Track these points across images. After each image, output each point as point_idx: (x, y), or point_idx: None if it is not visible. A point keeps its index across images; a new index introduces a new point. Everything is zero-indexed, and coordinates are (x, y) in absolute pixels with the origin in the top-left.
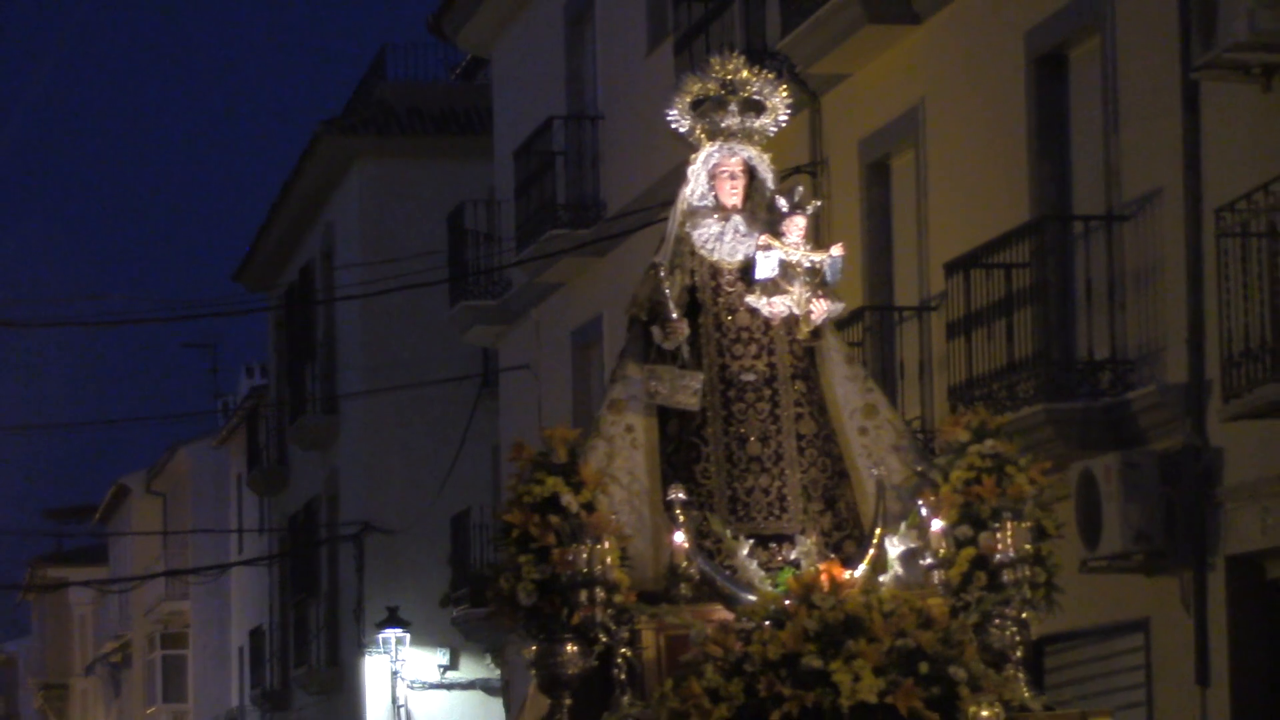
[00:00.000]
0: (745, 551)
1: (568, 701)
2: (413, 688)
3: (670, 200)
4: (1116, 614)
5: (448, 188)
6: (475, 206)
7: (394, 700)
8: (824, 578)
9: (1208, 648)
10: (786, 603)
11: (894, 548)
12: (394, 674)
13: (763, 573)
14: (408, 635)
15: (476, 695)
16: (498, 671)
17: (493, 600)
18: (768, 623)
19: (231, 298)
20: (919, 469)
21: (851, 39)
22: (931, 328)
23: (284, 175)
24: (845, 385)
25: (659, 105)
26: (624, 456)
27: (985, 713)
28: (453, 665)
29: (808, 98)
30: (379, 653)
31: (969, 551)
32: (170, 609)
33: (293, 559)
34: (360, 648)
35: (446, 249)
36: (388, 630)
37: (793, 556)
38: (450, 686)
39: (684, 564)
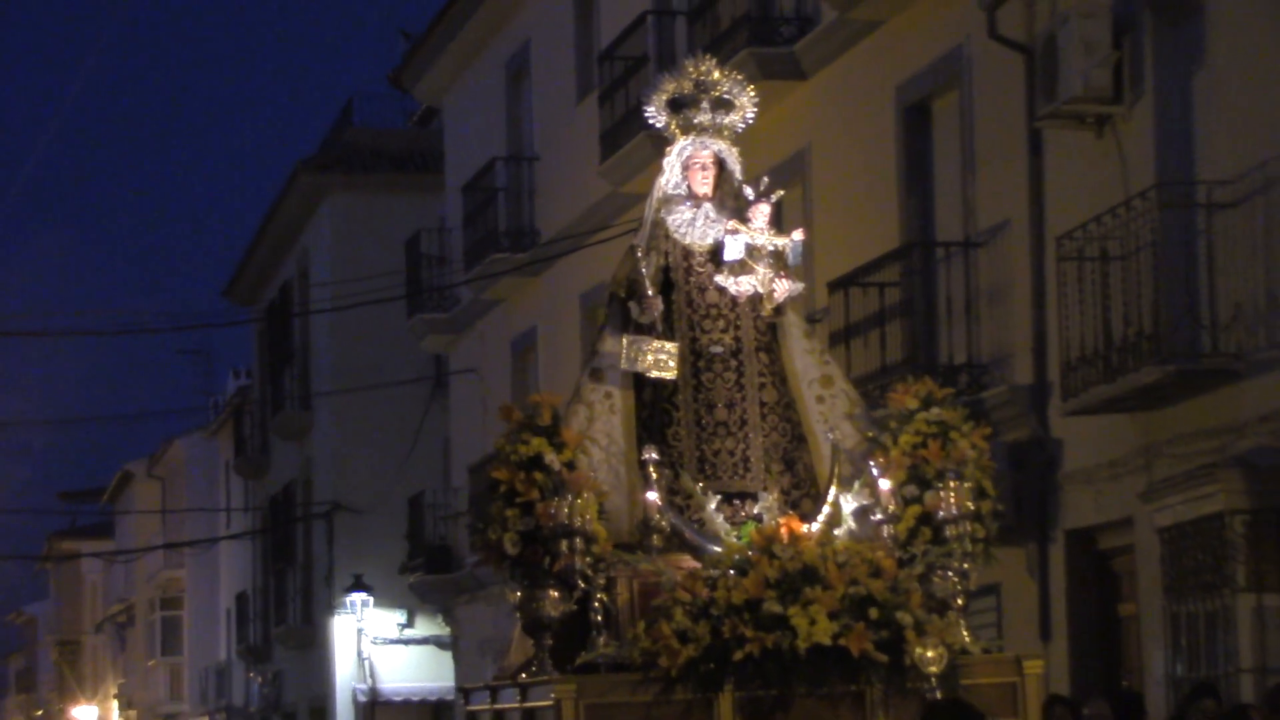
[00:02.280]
0: (712, 507)
1: (549, 642)
2: (375, 643)
3: (598, 228)
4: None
5: (406, 218)
6: (429, 234)
7: (359, 654)
8: (784, 531)
9: (1049, 607)
10: (749, 553)
11: (847, 504)
12: (359, 631)
13: (728, 526)
14: (371, 598)
15: (430, 649)
16: (448, 629)
17: (480, 549)
18: (732, 571)
19: (221, 311)
20: (870, 434)
21: (751, 89)
22: (817, 337)
23: (266, 206)
24: (804, 358)
25: (586, 148)
26: (603, 420)
27: (930, 653)
28: (409, 624)
29: None
30: (346, 613)
31: (915, 509)
32: (168, 576)
33: (273, 533)
34: (330, 609)
35: (404, 270)
36: (354, 594)
37: (755, 511)
38: (407, 642)
39: (656, 517)
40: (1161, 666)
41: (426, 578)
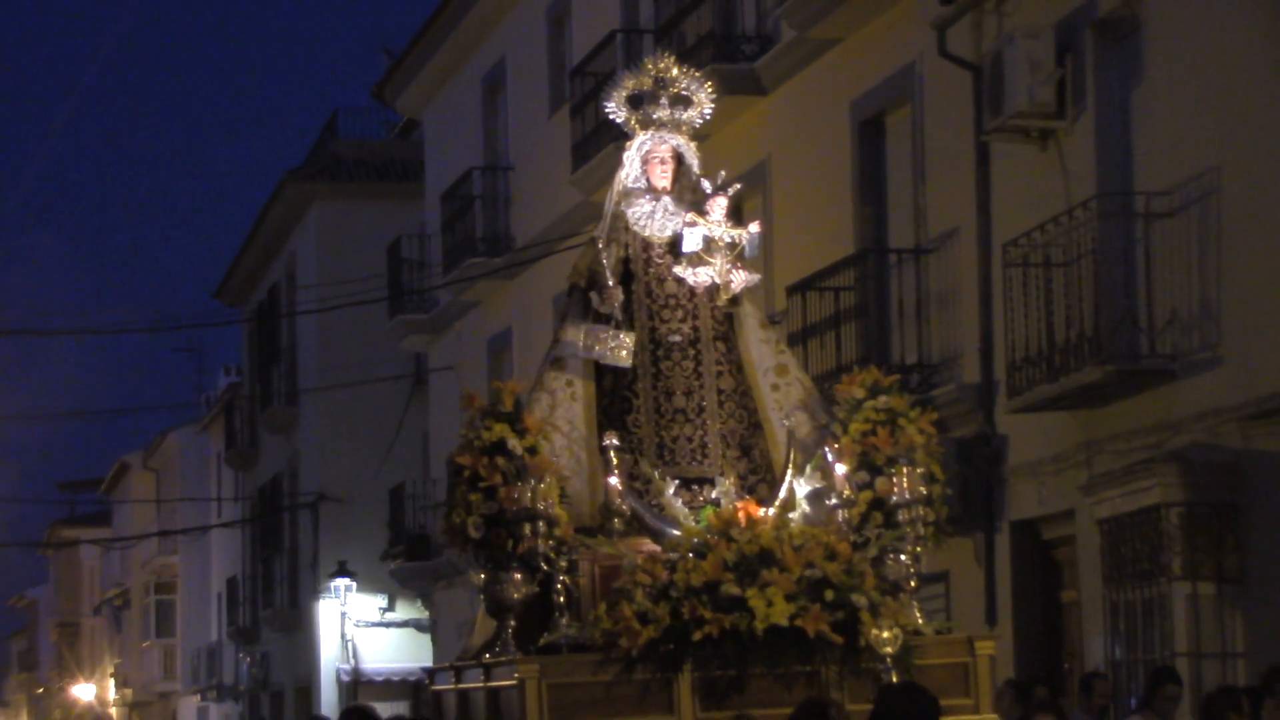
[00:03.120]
0: (671, 491)
1: (512, 623)
2: (358, 626)
3: (569, 234)
4: (923, 567)
5: (387, 224)
6: (410, 239)
7: (343, 636)
8: (741, 515)
9: (995, 594)
10: (708, 536)
11: (802, 489)
12: (342, 615)
13: (686, 510)
14: (354, 584)
15: (409, 632)
16: (426, 613)
17: (445, 533)
18: (691, 554)
19: (213, 311)
20: (823, 422)
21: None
22: (773, 327)
23: (256, 213)
24: (760, 347)
25: (558, 158)
26: (564, 408)
27: (886, 634)
28: (390, 608)
29: None
30: (331, 597)
31: (867, 494)
32: (162, 562)
33: (261, 522)
34: (315, 593)
35: (386, 273)
36: (338, 579)
37: (713, 496)
38: (388, 625)
39: (617, 501)
40: (1101, 651)
41: (406, 564)
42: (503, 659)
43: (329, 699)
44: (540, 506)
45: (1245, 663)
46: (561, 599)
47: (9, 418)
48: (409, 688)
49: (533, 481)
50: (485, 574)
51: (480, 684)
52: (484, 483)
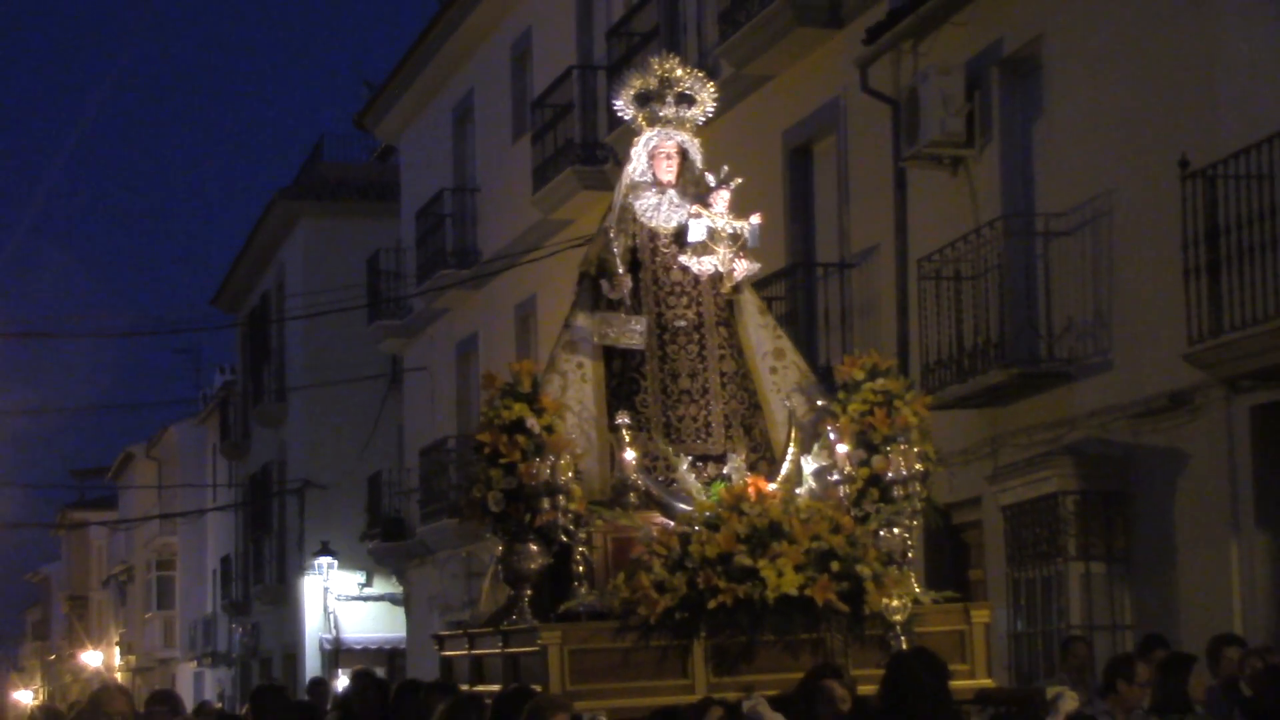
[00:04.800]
0: (684, 467)
1: (528, 592)
2: (339, 600)
3: (530, 249)
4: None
5: (367, 239)
6: (387, 252)
7: (325, 609)
8: (751, 490)
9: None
10: (720, 510)
11: (808, 466)
12: (325, 589)
13: (699, 485)
14: (335, 562)
15: (385, 605)
16: (400, 588)
17: (465, 507)
18: (705, 527)
19: (209, 316)
20: (820, 403)
21: None
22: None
23: (249, 228)
24: (759, 332)
25: (520, 181)
26: (575, 388)
27: (895, 602)
28: (368, 583)
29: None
30: (315, 574)
31: (864, 471)
32: (163, 542)
33: (252, 506)
34: (301, 570)
35: (366, 283)
36: (321, 558)
37: (725, 472)
38: (366, 599)
39: (633, 477)
40: (1004, 624)
41: (382, 544)
42: (523, 626)
43: (313, 665)
44: (560, 481)
45: (1133, 634)
46: (581, 569)
47: (26, 411)
48: (384, 655)
49: (551, 458)
50: (503, 546)
51: (498, 649)
52: (504, 459)
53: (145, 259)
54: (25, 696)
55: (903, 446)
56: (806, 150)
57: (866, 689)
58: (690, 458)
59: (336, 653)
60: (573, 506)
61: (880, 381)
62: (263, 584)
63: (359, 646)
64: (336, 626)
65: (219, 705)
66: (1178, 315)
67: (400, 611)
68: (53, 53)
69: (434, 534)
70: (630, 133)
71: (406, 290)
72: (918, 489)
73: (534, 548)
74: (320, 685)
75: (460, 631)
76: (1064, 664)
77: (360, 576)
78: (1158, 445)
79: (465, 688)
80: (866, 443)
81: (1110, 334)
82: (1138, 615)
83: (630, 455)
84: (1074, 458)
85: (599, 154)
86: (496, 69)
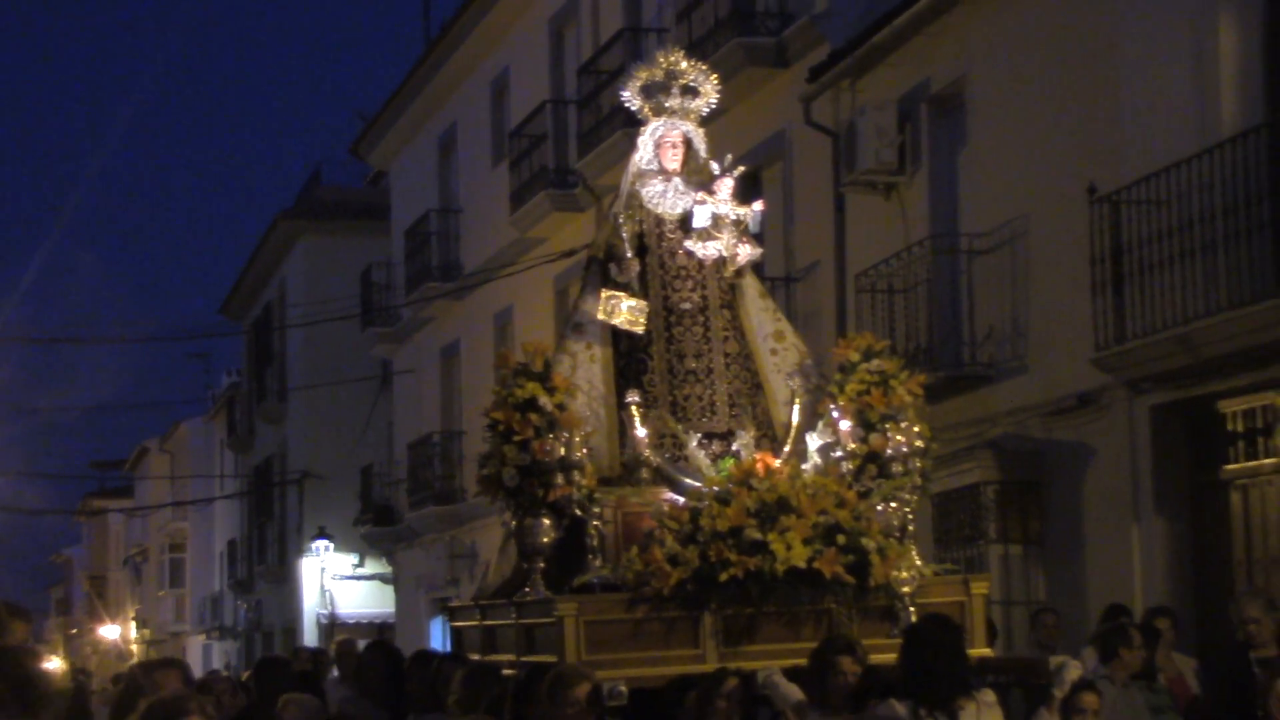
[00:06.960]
0: (694, 444)
1: (541, 565)
2: (334, 579)
3: (507, 264)
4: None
5: (360, 255)
6: (379, 267)
7: (322, 587)
8: (760, 465)
9: None
10: (729, 486)
11: (812, 442)
12: (322, 570)
13: (709, 461)
14: (331, 545)
15: (376, 584)
16: (390, 569)
17: (480, 482)
18: (715, 501)
19: (218, 324)
20: (816, 383)
21: (625, 160)
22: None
23: (254, 245)
24: (760, 315)
25: (499, 203)
26: (584, 369)
27: (904, 575)
28: (361, 564)
29: (594, 199)
30: (312, 556)
31: (862, 449)
32: (175, 526)
33: (256, 495)
34: (300, 552)
35: (360, 294)
36: (318, 541)
37: (734, 448)
38: (359, 578)
39: (645, 454)
40: None
41: (374, 529)
42: (538, 598)
43: (310, 638)
44: (574, 457)
45: (1044, 609)
46: (595, 543)
47: (52, 409)
48: (375, 629)
49: (565, 434)
50: (517, 520)
51: (511, 620)
52: (518, 436)
53: (161, 273)
54: (51, 665)
55: (901, 424)
56: (755, 177)
57: (875, 658)
58: (698, 435)
59: (332, 627)
60: (585, 482)
61: (875, 362)
62: (265, 564)
63: (352, 620)
64: (332, 603)
65: (225, 674)
66: (1086, 324)
67: (390, 589)
68: (75, 83)
69: (420, 520)
70: (599, 160)
71: (396, 301)
72: (917, 464)
73: (546, 522)
74: (320, 655)
75: (471, 603)
76: (1033, 636)
77: (354, 558)
78: (1068, 440)
79: (476, 657)
80: (865, 421)
81: (1026, 341)
82: (1050, 592)
83: (643, 432)
84: (994, 451)
85: (570, 179)
86: (478, 102)
